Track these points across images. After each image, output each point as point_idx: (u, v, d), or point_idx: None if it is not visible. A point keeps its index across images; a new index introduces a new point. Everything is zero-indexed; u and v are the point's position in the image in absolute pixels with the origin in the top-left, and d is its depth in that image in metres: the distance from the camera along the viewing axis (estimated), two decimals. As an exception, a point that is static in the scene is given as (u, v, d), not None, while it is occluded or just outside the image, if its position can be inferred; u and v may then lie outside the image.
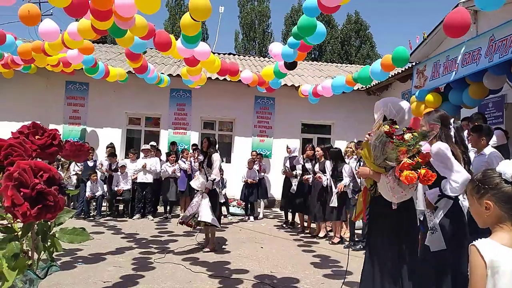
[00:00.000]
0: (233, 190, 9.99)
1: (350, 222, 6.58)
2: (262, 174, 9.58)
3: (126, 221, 8.56)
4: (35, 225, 1.28)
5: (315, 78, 12.17)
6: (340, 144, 9.51)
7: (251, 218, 9.13)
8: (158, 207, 9.78)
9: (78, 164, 8.63)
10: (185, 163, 9.29)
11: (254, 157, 9.74)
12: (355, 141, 7.10)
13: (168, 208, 9.33)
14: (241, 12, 29.26)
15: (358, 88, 10.95)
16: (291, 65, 5.91)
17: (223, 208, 8.85)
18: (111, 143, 9.99)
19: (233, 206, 9.73)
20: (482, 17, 7.04)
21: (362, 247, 6.20)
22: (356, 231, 6.63)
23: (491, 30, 5.08)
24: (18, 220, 1.15)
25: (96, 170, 9.09)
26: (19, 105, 10.15)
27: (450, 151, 2.61)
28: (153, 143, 9.88)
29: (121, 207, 9.45)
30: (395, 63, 5.30)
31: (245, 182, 9.26)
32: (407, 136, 2.56)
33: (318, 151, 7.44)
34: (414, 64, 7.76)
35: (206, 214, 5.79)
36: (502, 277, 1.37)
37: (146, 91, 10.50)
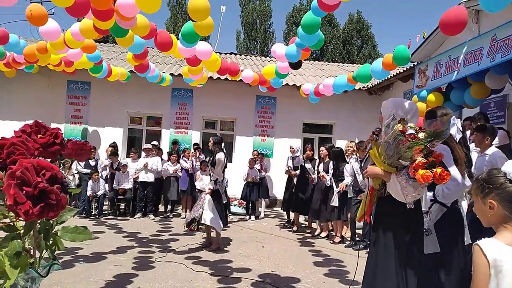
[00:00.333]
0: (234, 189, 10.00)
1: (351, 221, 6.58)
2: (263, 173, 9.59)
3: (128, 220, 8.58)
4: (37, 224, 1.28)
5: (317, 78, 12.17)
6: (342, 144, 9.51)
7: (252, 217, 9.14)
8: (160, 206, 9.79)
9: (80, 163, 8.64)
10: (186, 162, 9.30)
11: (255, 156, 9.75)
12: (356, 141, 7.12)
13: (169, 207, 9.34)
14: (242, 11, 29.26)
15: (360, 87, 10.94)
16: (296, 65, 5.90)
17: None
18: (114, 142, 10.00)
19: (234, 206, 9.74)
20: (484, 17, 7.02)
21: (363, 246, 6.20)
22: (356, 230, 6.64)
23: (493, 30, 5.07)
24: (21, 218, 1.16)
25: (98, 170, 9.11)
26: (21, 105, 10.18)
27: (448, 155, 2.57)
28: (154, 142, 9.89)
29: (122, 206, 9.46)
30: (396, 62, 5.29)
31: (246, 181, 9.26)
32: (421, 135, 2.51)
33: (322, 151, 7.45)
34: (416, 63, 7.75)
35: (208, 216, 5.81)
36: (505, 276, 1.37)
37: (148, 90, 10.51)
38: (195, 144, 10.36)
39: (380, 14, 45.22)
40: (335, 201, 6.75)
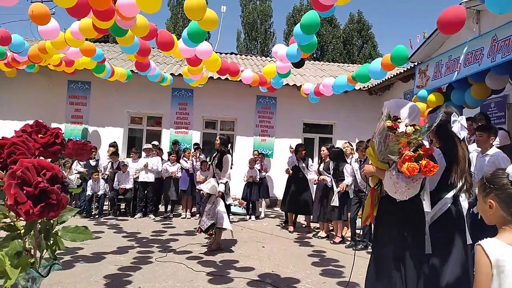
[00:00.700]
0: (235, 189, 9.98)
1: (351, 221, 6.58)
2: (264, 173, 9.59)
3: (128, 220, 8.58)
4: (38, 224, 1.28)
5: (317, 78, 12.16)
6: (342, 144, 9.51)
7: (253, 217, 9.13)
8: (160, 206, 9.79)
9: (81, 163, 8.65)
10: (187, 162, 9.30)
11: (255, 156, 9.75)
12: (357, 140, 7.11)
13: (169, 207, 9.34)
14: (243, 11, 29.26)
15: (360, 88, 10.94)
16: (299, 64, 5.90)
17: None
18: (114, 142, 10.00)
19: (235, 206, 9.74)
20: (485, 17, 7.02)
21: (363, 246, 6.20)
22: (357, 230, 6.63)
23: (494, 30, 5.07)
24: (21, 218, 1.16)
25: (98, 170, 9.11)
26: (21, 104, 10.18)
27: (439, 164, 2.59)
28: (155, 142, 9.89)
29: (122, 206, 9.46)
30: (394, 62, 5.29)
31: (247, 181, 9.26)
32: (409, 129, 2.56)
33: (323, 151, 7.45)
34: (416, 64, 7.75)
35: (225, 221, 5.83)
36: (507, 276, 1.37)
37: (148, 90, 10.51)
38: (196, 144, 10.36)
39: (380, 14, 45.22)
40: (335, 201, 6.75)
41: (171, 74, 9.55)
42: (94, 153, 9.19)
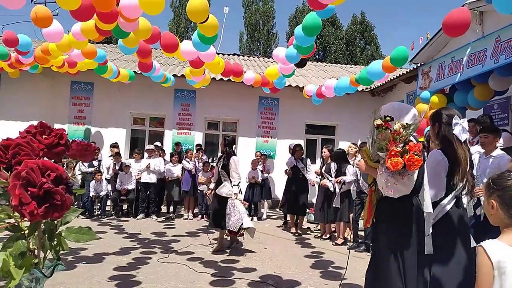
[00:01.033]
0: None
1: (353, 223, 6.57)
2: (266, 174, 9.58)
3: (130, 221, 8.59)
4: (42, 224, 1.28)
5: (320, 79, 12.15)
6: (344, 145, 9.50)
7: (255, 218, 9.13)
8: (162, 206, 9.80)
9: (84, 163, 8.67)
10: (189, 163, 9.31)
11: (258, 157, 9.75)
12: (360, 142, 7.09)
13: (171, 208, 9.34)
14: (245, 12, 29.27)
15: (363, 89, 10.93)
16: (300, 63, 5.91)
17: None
18: (116, 143, 10.02)
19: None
20: (488, 18, 7.00)
21: (365, 248, 6.19)
22: (359, 232, 6.62)
23: (497, 31, 5.06)
24: (25, 219, 1.16)
25: (101, 170, 9.13)
26: (24, 105, 10.22)
27: (440, 165, 2.60)
28: (157, 143, 9.91)
29: (125, 206, 9.48)
30: (393, 63, 5.28)
31: (249, 182, 9.26)
32: (396, 126, 2.62)
33: (325, 152, 7.44)
34: (419, 65, 7.74)
35: (247, 220, 5.94)
36: (508, 277, 1.37)
37: (151, 91, 10.54)
38: (198, 145, 10.38)
39: (383, 15, 45.17)
40: (337, 202, 6.74)
41: (174, 75, 9.58)
42: (97, 154, 9.21)
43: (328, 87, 6.92)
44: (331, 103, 9.94)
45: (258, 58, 16.50)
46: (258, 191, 9.21)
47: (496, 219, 1.53)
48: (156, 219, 8.77)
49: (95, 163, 9.09)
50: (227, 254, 5.84)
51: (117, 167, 9.24)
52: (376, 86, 10.81)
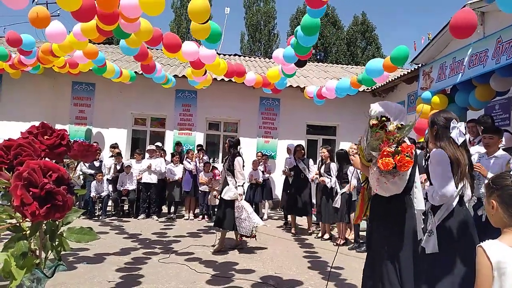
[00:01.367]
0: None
1: (355, 223, 6.56)
2: (267, 175, 9.58)
3: (131, 221, 8.59)
4: (44, 225, 1.29)
5: (321, 80, 12.16)
6: (345, 146, 9.49)
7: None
8: (163, 207, 9.81)
9: (86, 164, 8.68)
10: (190, 163, 9.31)
11: (259, 158, 9.75)
12: (359, 137, 7.05)
13: (172, 208, 9.34)
14: (246, 13, 29.28)
15: (364, 89, 10.92)
16: (299, 63, 5.91)
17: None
18: (115, 143, 10.03)
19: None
20: (490, 19, 7.00)
21: (366, 248, 6.18)
22: (360, 232, 6.61)
23: (499, 32, 5.06)
24: (27, 219, 1.17)
25: (102, 171, 9.15)
26: (26, 106, 10.23)
27: (444, 162, 2.59)
28: (158, 143, 9.92)
29: (126, 207, 9.48)
30: (394, 62, 5.27)
31: (250, 183, 9.26)
32: (390, 127, 2.69)
33: (323, 152, 7.43)
34: (420, 65, 7.73)
35: (257, 219, 6.01)
36: (508, 278, 1.37)
37: (152, 91, 10.55)
38: (199, 145, 10.38)
39: (384, 15, 45.15)
40: (337, 203, 6.74)
41: (175, 75, 9.59)
42: (99, 154, 9.22)
43: (329, 88, 6.92)
44: (332, 103, 9.91)
45: (259, 58, 16.51)
46: (259, 192, 9.21)
47: (496, 220, 1.54)
48: (157, 220, 8.77)
49: (97, 163, 9.10)
50: (228, 254, 5.84)
51: (118, 167, 9.25)
52: (377, 86, 10.80)
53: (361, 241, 6.50)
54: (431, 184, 2.75)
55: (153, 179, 9.03)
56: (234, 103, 11.25)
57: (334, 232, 7.71)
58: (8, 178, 1.19)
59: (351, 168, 6.80)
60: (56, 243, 1.35)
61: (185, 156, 9.55)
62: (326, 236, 7.29)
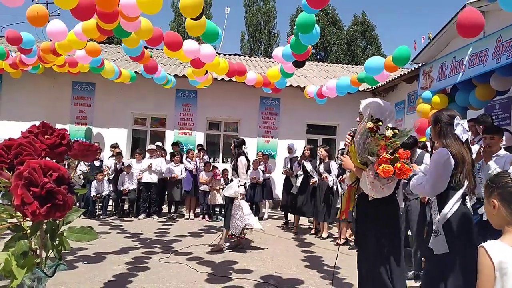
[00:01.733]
0: (238, 190, 9.99)
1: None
2: (267, 174, 9.58)
3: (131, 220, 8.60)
4: (44, 224, 1.29)
5: (321, 79, 12.15)
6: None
7: (256, 218, 9.11)
8: (163, 207, 9.82)
9: (86, 163, 8.68)
10: (190, 163, 9.32)
11: (260, 157, 9.75)
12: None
13: (173, 208, 9.34)
14: (246, 12, 29.27)
15: (364, 89, 10.91)
16: (298, 64, 5.90)
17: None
18: (116, 143, 10.03)
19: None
20: (490, 18, 6.99)
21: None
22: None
23: (499, 31, 5.05)
24: (28, 218, 1.17)
25: (103, 170, 9.15)
26: (26, 105, 10.23)
27: (447, 162, 2.60)
28: (158, 143, 9.91)
29: (126, 206, 9.49)
30: (395, 62, 5.27)
31: (250, 182, 9.25)
32: (388, 132, 2.73)
33: (321, 152, 7.44)
34: (420, 65, 7.73)
35: (254, 221, 6.05)
36: (510, 278, 1.37)
37: (152, 91, 10.54)
38: (199, 145, 10.38)
39: (384, 15, 45.14)
40: (339, 202, 6.74)
41: (175, 75, 9.59)
42: (99, 154, 9.22)
43: (329, 87, 6.93)
44: (332, 103, 9.89)
45: (260, 58, 16.50)
46: (259, 191, 9.21)
47: (497, 219, 1.53)
48: (158, 219, 8.78)
49: (97, 163, 9.10)
50: (228, 253, 5.84)
51: (118, 167, 9.25)
52: (378, 86, 10.79)
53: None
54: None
55: (153, 178, 9.03)
56: (234, 103, 11.25)
57: (334, 232, 7.72)
58: (8, 178, 1.19)
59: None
60: (57, 242, 1.35)
61: (185, 156, 9.56)
62: (325, 235, 7.28)
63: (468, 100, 5.78)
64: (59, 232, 1.35)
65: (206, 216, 9.13)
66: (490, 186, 1.56)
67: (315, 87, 7.73)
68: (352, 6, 43.63)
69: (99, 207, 9.14)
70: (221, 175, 9.17)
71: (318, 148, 7.69)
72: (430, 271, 2.69)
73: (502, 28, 5.00)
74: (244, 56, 16.08)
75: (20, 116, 9.85)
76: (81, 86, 10.74)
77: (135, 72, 8.14)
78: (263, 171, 9.45)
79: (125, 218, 8.81)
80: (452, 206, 2.64)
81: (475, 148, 4.54)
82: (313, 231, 7.71)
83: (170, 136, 11.20)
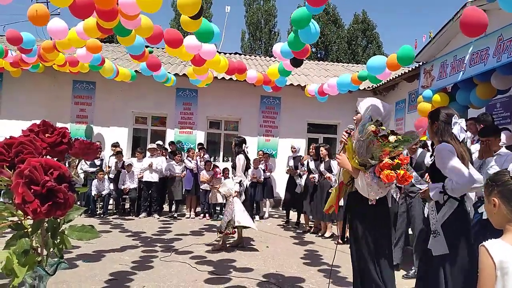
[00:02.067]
0: (239, 189, 10.00)
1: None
2: (268, 173, 9.58)
3: (132, 219, 8.61)
4: (45, 222, 1.29)
5: (321, 78, 12.14)
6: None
7: (257, 217, 9.13)
8: (164, 205, 9.82)
9: (87, 162, 8.69)
10: (191, 162, 9.32)
11: (260, 156, 9.75)
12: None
13: (174, 207, 9.35)
14: (247, 11, 29.23)
15: (365, 87, 10.91)
16: (296, 63, 5.90)
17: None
18: (117, 142, 10.04)
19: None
20: (491, 17, 6.95)
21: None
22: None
23: (500, 30, 5.04)
24: (29, 217, 1.17)
25: (103, 169, 9.16)
26: (26, 104, 10.23)
27: (453, 154, 2.58)
28: (159, 142, 9.91)
29: (127, 205, 9.50)
30: (400, 62, 5.28)
31: (251, 181, 9.26)
32: (392, 138, 2.74)
33: (322, 151, 7.44)
34: (421, 64, 7.72)
35: (241, 217, 5.90)
36: (511, 277, 1.36)
37: (153, 90, 10.54)
38: (200, 144, 10.39)
39: (385, 14, 45.07)
40: (341, 201, 6.72)
41: (176, 74, 9.58)
42: (99, 152, 9.22)
43: (330, 85, 6.93)
44: (333, 101, 9.91)
45: (260, 57, 16.49)
46: (260, 190, 9.21)
47: (498, 218, 1.52)
48: (158, 218, 8.79)
49: (97, 162, 9.11)
50: (229, 252, 5.84)
51: (119, 166, 9.26)
52: (378, 85, 10.78)
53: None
54: (433, 181, 2.77)
55: (154, 177, 9.04)
56: (235, 102, 11.25)
57: (336, 231, 7.71)
58: (9, 176, 1.19)
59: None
60: (58, 240, 1.35)
61: (186, 155, 9.57)
62: (328, 234, 7.29)
63: (469, 99, 5.78)
64: (60, 230, 1.35)
65: (206, 215, 9.14)
66: (490, 184, 1.56)
67: (316, 85, 7.74)
68: (352, 5, 43.58)
69: (100, 205, 9.15)
70: (221, 174, 9.17)
71: (321, 148, 7.67)
72: (429, 272, 2.69)
73: (503, 27, 5.00)
74: (245, 55, 16.07)
75: (20, 115, 9.86)
76: (82, 85, 10.74)
77: (136, 71, 8.14)
78: (263, 170, 9.45)
79: (126, 217, 8.82)
80: (450, 206, 2.63)
81: (475, 147, 4.54)
82: (313, 230, 7.73)
83: (171, 135, 11.20)
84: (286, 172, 8.94)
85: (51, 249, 1.33)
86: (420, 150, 5.00)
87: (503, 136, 4.45)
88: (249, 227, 6.11)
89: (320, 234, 7.44)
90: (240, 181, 6.08)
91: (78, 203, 8.64)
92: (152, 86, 10.10)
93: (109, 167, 9.50)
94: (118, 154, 9.41)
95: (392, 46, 37.10)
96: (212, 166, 9.26)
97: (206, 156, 9.72)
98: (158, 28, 4.97)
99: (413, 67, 8.74)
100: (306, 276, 4.75)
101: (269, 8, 28.80)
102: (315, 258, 5.70)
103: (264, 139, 11.53)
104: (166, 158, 9.45)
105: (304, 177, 8.02)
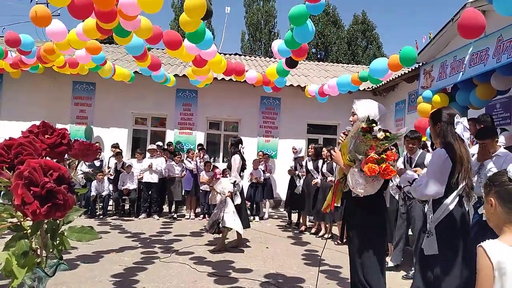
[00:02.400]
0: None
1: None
2: (268, 174, 9.58)
3: (132, 220, 8.60)
4: (44, 224, 1.29)
5: (321, 79, 12.14)
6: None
7: (256, 218, 9.13)
8: (164, 206, 9.82)
9: (86, 163, 8.69)
10: (190, 163, 9.32)
11: (260, 157, 9.75)
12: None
13: (173, 208, 9.35)
14: (247, 12, 29.24)
15: (365, 88, 10.91)
16: (291, 63, 5.91)
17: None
18: (116, 143, 10.04)
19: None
20: (490, 18, 6.97)
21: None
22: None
23: (499, 31, 5.04)
24: (28, 218, 1.17)
25: (103, 170, 9.16)
26: (26, 105, 10.23)
27: (445, 164, 2.60)
28: (159, 143, 9.91)
29: (127, 206, 9.49)
30: (402, 63, 5.29)
31: (251, 182, 9.26)
32: (379, 134, 2.79)
33: (324, 152, 7.43)
34: (421, 64, 7.72)
35: (228, 219, 5.80)
36: (509, 278, 1.36)
37: (152, 91, 10.54)
38: (199, 144, 10.38)
39: (385, 14, 45.09)
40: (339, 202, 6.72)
41: (175, 75, 9.58)
42: (99, 153, 9.21)
43: (331, 85, 6.94)
44: (332, 102, 9.91)
45: (260, 57, 16.49)
46: (260, 191, 9.22)
47: (495, 218, 1.52)
48: (158, 219, 8.78)
49: (97, 163, 9.10)
50: (229, 253, 5.84)
51: (118, 167, 9.26)
52: (378, 85, 10.78)
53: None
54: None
55: (154, 178, 9.04)
56: (235, 103, 11.25)
57: (336, 231, 7.70)
58: (9, 177, 1.18)
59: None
60: (57, 242, 1.35)
61: (186, 156, 9.56)
62: (328, 235, 7.28)
63: (469, 100, 5.78)
64: (59, 231, 1.35)
65: (206, 215, 9.12)
66: (488, 184, 1.57)
67: (317, 86, 7.74)
68: (352, 5, 43.61)
69: (100, 207, 9.14)
70: (221, 175, 9.16)
71: (324, 149, 7.67)
72: (422, 272, 2.69)
73: (503, 28, 5.00)
74: (245, 56, 16.07)
75: (20, 116, 9.85)
76: (81, 86, 10.74)
77: (135, 72, 8.14)
78: (263, 171, 9.45)
79: (126, 218, 8.82)
80: (446, 207, 2.63)
81: (475, 149, 4.53)
82: (313, 230, 7.72)
83: (171, 135, 11.19)
84: (288, 173, 8.94)
85: (51, 251, 1.33)
86: (420, 151, 5.00)
87: (502, 137, 4.45)
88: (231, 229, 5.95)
89: (320, 234, 7.43)
90: (235, 181, 6.03)
91: (78, 204, 8.68)
92: (151, 87, 10.10)
93: (109, 167, 9.49)
94: (118, 155, 9.41)
95: (392, 46, 37.20)
96: (212, 167, 9.25)
97: (206, 156, 9.71)
98: (157, 29, 4.97)
99: (413, 68, 8.74)
100: (306, 277, 4.75)
101: (269, 9, 28.81)
102: (315, 259, 5.70)
103: (264, 140, 11.53)
104: (166, 160, 9.43)
105: (303, 178, 8.03)
